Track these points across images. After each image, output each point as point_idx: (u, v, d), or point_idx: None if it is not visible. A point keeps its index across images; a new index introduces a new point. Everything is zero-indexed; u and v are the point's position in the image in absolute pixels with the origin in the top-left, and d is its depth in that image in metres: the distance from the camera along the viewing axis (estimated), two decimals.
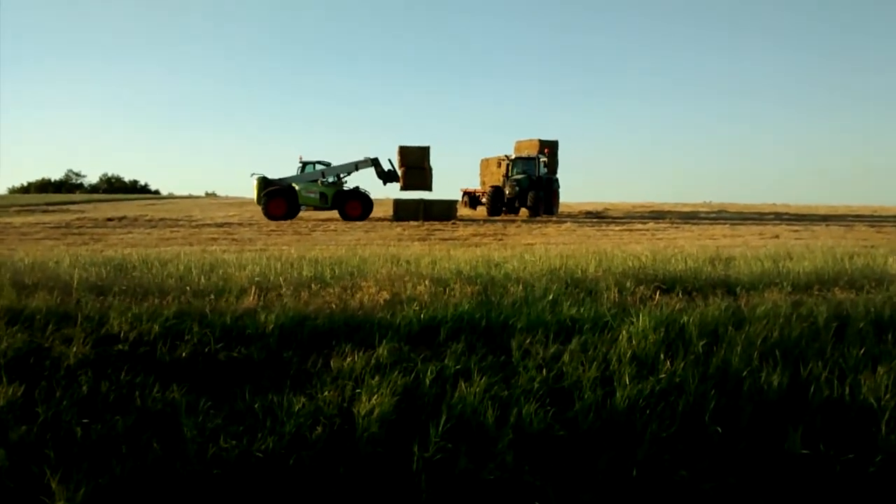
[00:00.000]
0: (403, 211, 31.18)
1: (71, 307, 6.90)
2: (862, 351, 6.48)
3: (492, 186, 36.75)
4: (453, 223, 28.66)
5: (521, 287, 8.34)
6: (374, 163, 32.87)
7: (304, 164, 32.18)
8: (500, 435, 5.15)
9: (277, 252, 13.36)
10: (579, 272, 9.45)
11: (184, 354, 6.04)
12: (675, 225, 28.08)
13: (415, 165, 33.03)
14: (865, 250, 13.96)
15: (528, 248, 15.14)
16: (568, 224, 27.72)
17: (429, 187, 33.91)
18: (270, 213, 30.48)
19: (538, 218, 32.79)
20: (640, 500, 4.89)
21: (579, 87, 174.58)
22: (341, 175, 32.32)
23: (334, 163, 32.56)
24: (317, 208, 31.96)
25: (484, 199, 37.00)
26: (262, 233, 23.01)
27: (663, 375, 5.94)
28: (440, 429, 5.08)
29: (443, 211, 31.47)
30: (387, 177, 33.16)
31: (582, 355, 6.26)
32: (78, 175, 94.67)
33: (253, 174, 31.66)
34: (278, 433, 4.99)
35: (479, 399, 5.45)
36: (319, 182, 31.59)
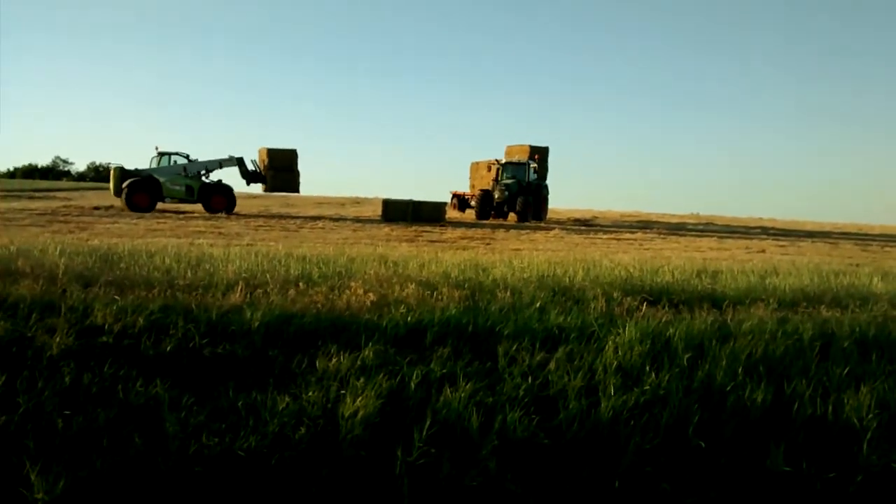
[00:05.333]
0: (392, 211, 31.15)
1: (55, 297, 6.84)
2: (846, 370, 6.51)
3: (481, 190, 36.81)
4: (442, 225, 28.65)
5: (508, 293, 8.34)
6: (239, 162, 33.07)
7: (162, 155, 31.72)
8: (483, 441, 5.14)
9: (265, 248, 13.30)
10: (567, 280, 9.47)
11: (168, 349, 6.00)
12: (662, 235, 28.18)
13: (282, 168, 33.81)
14: (851, 269, 14.07)
15: (515, 254, 15.15)
16: (556, 231, 27.76)
17: (297, 189, 34.91)
18: (134, 205, 29.58)
19: (526, 223, 32.86)
20: None
21: (571, 94, 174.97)
22: (202, 171, 32.10)
23: (193, 155, 32.41)
24: (182, 201, 31.72)
25: (473, 203, 37.02)
26: (250, 227, 22.93)
27: (648, 387, 5.95)
28: (424, 433, 5.06)
29: (431, 213, 31.47)
30: (251, 177, 33.49)
31: (568, 364, 6.26)
32: (65, 162, 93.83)
33: (110, 164, 31.30)
34: (261, 432, 4.95)
35: (463, 404, 5.44)
36: (183, 175, 31.34)
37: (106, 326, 6.22)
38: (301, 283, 8.30)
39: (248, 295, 7.62)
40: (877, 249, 25.80)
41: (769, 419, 5.80)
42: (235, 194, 32.66)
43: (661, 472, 5.15)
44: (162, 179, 30.71)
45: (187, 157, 31.95)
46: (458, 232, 25.04)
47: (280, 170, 33.47)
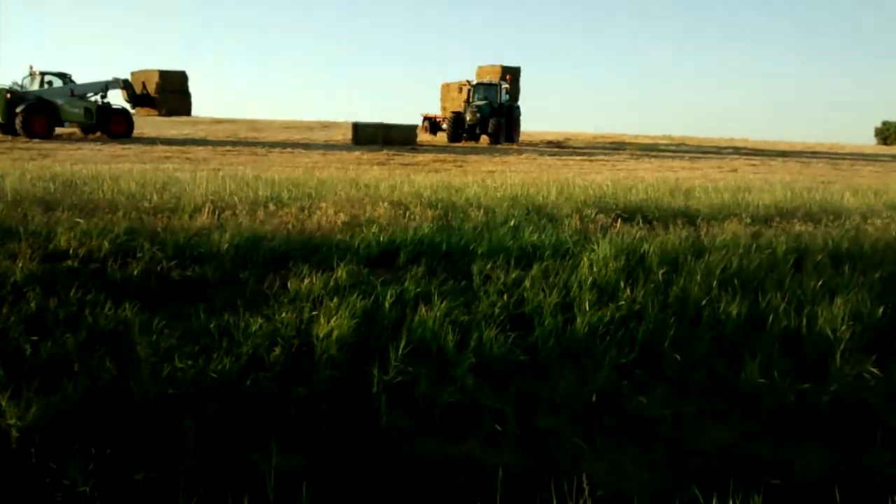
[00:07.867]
0: (363, 135, 30.59)
1: (16, 222, 6.63)
2: (819, 283, 6.55)
3: (453, 112, 36.21)
4: (413, 149, 28.27)
5: (482, 212, 8.25)
6: (126, 85, 30.27)
7: (42, 75, 27.76)
8: (460, 359, 5.12)
9: (232, 172, 13.05)
10: (540, 199, 9.39)
11: (135, 273, 5.85)
12: (635, 157, 28.07)
13: (176, 90, 33.69)
14: (823, 185, 14.15)
15: (488, 175, 15.02)
16: (529, 153, 27.51)
17: (189, 112, 35.42)
18: (33, 131, 25.31)
19: (499, 146, 32.53)
20: (599, 424, 4.92)
21: (543, 13, 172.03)
22: (88, 94, 28.29)
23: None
24: (81, 125, 28.09)
25: (444, 125, 36.48)
26: (217, 153, 22.47)
27: (623, 303, 5.94)
28: (400, 352, 5.03)
29: (403, 136, 30.97)
30: (138, 100, 31.27)
31: (543, 281, 6.22)
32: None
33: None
34: (235, 354, 4.89)
35: (439, 323, 5.40)
36: (78, 97, 27.73)
37: (70, 251, 6.05)
38: (270, 205, 8.14)
39: (217, 217, 7.45)
40: (847, 167, 25.96)
41: (744, 332, 5.84)
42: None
43: (638, 386, 5.19)
44: (60, 102, 26.97)
45: (68, 77, 28.43)
46: (430, 155, 24.73)
47: (173, 92, 33.07)
